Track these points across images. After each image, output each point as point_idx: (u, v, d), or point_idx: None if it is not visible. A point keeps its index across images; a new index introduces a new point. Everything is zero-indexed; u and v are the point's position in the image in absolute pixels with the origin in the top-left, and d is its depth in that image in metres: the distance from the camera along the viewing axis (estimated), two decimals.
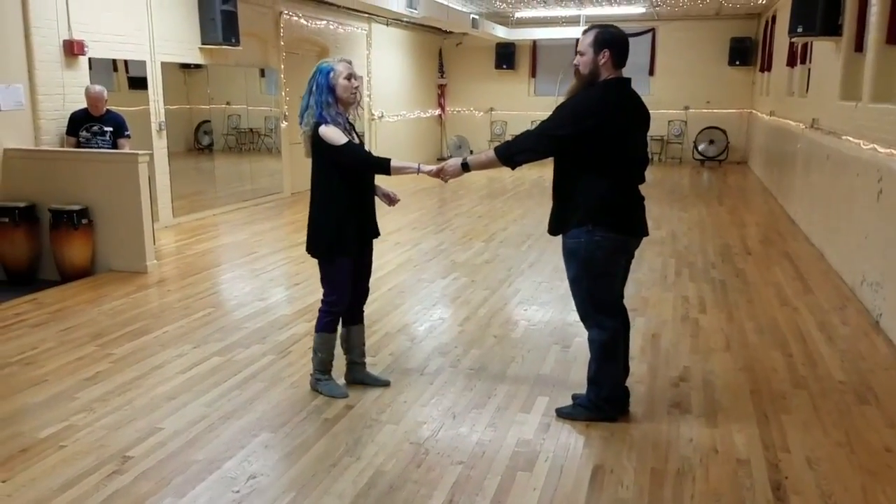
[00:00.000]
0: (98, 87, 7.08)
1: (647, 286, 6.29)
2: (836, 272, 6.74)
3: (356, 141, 3.86)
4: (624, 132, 3.45)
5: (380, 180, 4.07)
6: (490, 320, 5.43)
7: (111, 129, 7.08)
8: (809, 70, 9.73)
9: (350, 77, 3.78)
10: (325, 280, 3.99)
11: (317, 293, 6.00)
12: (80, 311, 5.62)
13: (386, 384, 4.17)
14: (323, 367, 4.05)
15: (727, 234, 8.70)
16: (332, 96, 3.74)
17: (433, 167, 3.83)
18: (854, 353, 4.74)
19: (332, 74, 3.75)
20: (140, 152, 6.74)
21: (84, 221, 6.58)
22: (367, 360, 4.29)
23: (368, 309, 5.54)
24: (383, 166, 3.82)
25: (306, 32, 12.04)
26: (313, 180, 3.88)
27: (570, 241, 3.53)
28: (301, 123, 3.84)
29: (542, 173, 14.93)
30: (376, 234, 4.08)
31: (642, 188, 3.67)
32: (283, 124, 11.60)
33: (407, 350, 4.79)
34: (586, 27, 3.56)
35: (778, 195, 11.32)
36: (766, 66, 14.38)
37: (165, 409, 3.88)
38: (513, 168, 3.62)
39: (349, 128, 3.86)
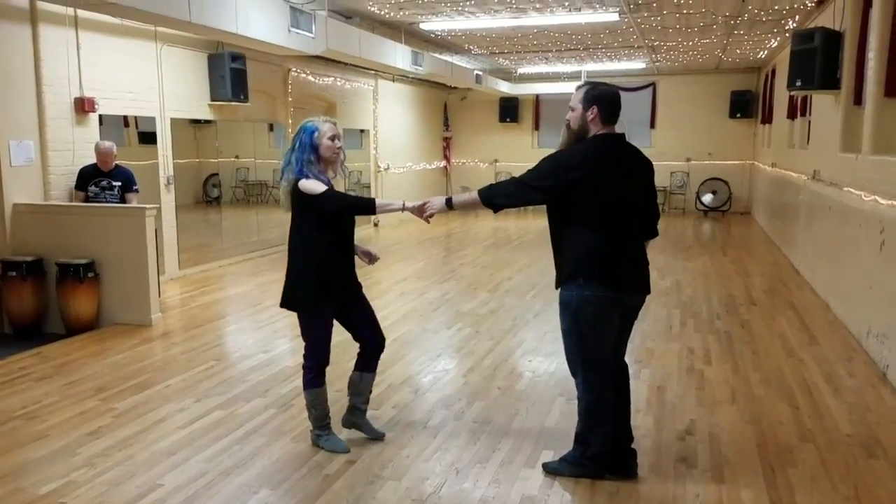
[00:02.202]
0: (107, 143, 7.21)
1: (651, 337, 6.26)
2: (842, 323, 6.71)
3: None
4: (612, 187, 3.42)
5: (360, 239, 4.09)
6: (494, 371, 5.40)
7: (119, 183, 7.19)
8: (810, 122, 9.83)
9: (334, 138, 3.85)
10: (306, 334, 3.96)
11: None
12: (84, 364, 5.62)
13: (381, 437, 4.14)
14: (320, 422, 4.03)
15: (732, 284, 8.69)
16: (314, 155, 3.81)
17: (416, 203, 3.83)
18: (861, 406, 4.69)
19: (316, 134, 3.81)
20: (147, 206, 6.82)
21: (90, 275, 6.63)
22: (370, 412, 4.27)
23: None
24: (368, 206, 3.87)
25: (314, 89, 12.28)
26: (292, 235, 3.90)
27: (564, 293, 3.54)
28: (282, 179, 3.88)
29: (545, 222, 15.00)
30: (358, 285, 4.09)
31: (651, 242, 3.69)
32: None
33: (410, 402, 4.76)
34: (580, 84, 3.63)
35: (782, 245, 11.33)
36: (767, 119, 14.55)
37: (166, 464, 3.85)
38: (495, 211, 3.65)
39: (330, 186, 3.90)
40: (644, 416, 4.47)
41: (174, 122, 9.07)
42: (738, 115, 16.69)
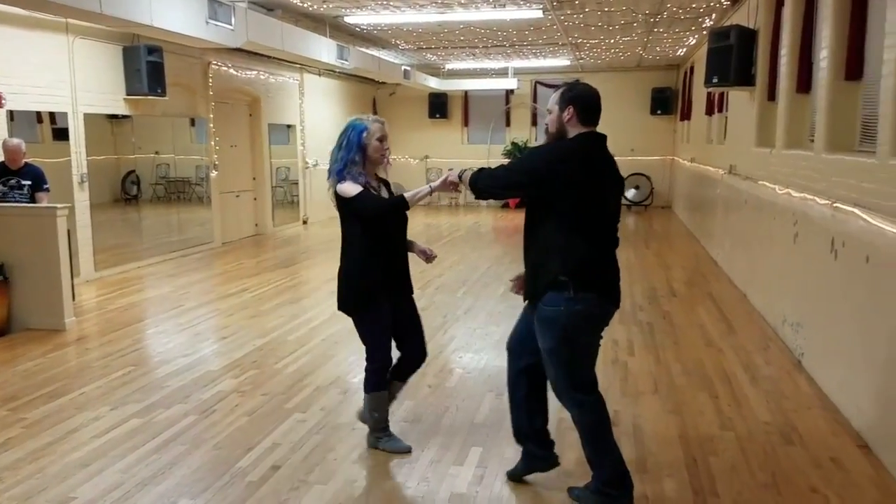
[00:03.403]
0: (15, 141, 6.85)
1: None
2: (759, 313, 6.94)
3: (384, 195, 3.83)
4: (599, 187, 3.24)
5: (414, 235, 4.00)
6: (425, 369, 5.27)
7: (29, 182, 6.84)
8: (727, 118, 10.15)
9: (383, 139, 3.75)
10: (363, 338, 3.89)
11: (246, 346, 5.93)
12: None
13: (408, 450, 3.96)
14: (380, 425, 3.96)
15: (654, 276, 8.90)
16: (360, 155, 3.69)
17: (439, 181, 3.67)
18: (778, 394, 4.86)
19: (365, 134, 3.69)
20: (58, 206, 6.51)
21: None
22: (297, 416, 4.17)
23: (298, 362, 5.50)
24: (400, 204, 3.69)
25: (237, 82, 11.99)
26: (342, 236, 3.84)
27: (548, 308, 3.21)
28: (329, 177, 3.77)
29: (477, 218, 15.09)
30: (408, 289, 3.96)
31: None
32: (213, 173, 11.43)
33: (339, 404, 4.68)
34: (559, 84, 3.46)
35: (701, 238, 11.68)
36: (686, 115, 14.97)
37: (79, 476, 3.67)
38: (476, 196, 3.46)
39: (377, 186, 3.81)
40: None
41: (88, 117, 8.72)
42: (659, 112, 17.17)
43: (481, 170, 3.45)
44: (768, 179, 6.86)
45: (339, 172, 3.68)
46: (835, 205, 4.79)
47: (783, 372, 5.30)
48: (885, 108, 4.12)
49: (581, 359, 3.29)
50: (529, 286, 3.36)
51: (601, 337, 3.38)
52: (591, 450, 3.35)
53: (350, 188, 3.65)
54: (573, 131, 3.27)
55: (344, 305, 3.88)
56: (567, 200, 3.18)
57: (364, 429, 4.24)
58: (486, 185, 3.37)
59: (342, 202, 3.70)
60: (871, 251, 4.10)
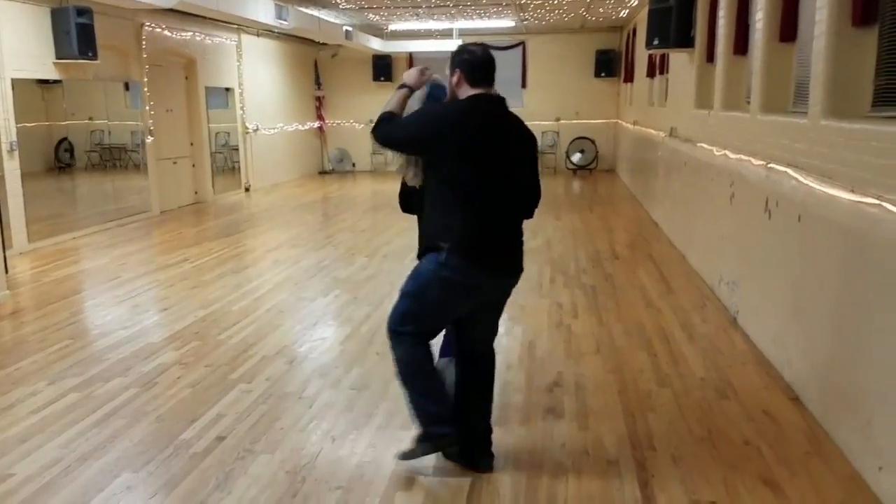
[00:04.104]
0: None
1: (523, 294, 6.38)
2: (697, 273, 7.12)
3: None
4: (488, 151, 3.10)
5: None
6: (372, 337, 5.35)
7: None
8: (668, 80, 10.26)
9: None
10: None
11: (188, 317, 5.85)
12: None
13: None
14: None
15: (597, 239, 9.04)
16: None
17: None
18: (713, 350, 5.01)
19: None
20: None
21: None
22: (242, 387, 4.13)
23: (242, 333, 5.44)
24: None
25: (171, 44, 11.60)
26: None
27: (423, 263, 3.25)
28: None
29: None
30: None
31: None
32: (149, 139, 11.10)
33: (284, 373, 4.65)
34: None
35: (643, 201, 11.87)
36: (629, 78, 15.08)
37: (17, 453, 3.59)
38: (373, 135, 3.28)
39: None
40: (516, 371, 4.60)
41: (17, 82, 8.36)
42: (603, 74, 17.21)
43: (384, 117, 3.23)
44: (706, 141, 6.98)
45: None
46: (769, 165, 4.91)
47: (719, 329, 5.47)
48: (816, 69, 4.23)
49: (428, 315, 3.24)
50: (420, 241, 3.36)
51: (480, 305, 3.32)
52: (407, 390, 3.33)
53: None
54: (464, 94, 3.19)
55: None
56: (456, 166, 3.09)
57: (309, 398, 4.24)
58: (384, 132, 3.22)
59: None
60: (803, 210, 4.23)
